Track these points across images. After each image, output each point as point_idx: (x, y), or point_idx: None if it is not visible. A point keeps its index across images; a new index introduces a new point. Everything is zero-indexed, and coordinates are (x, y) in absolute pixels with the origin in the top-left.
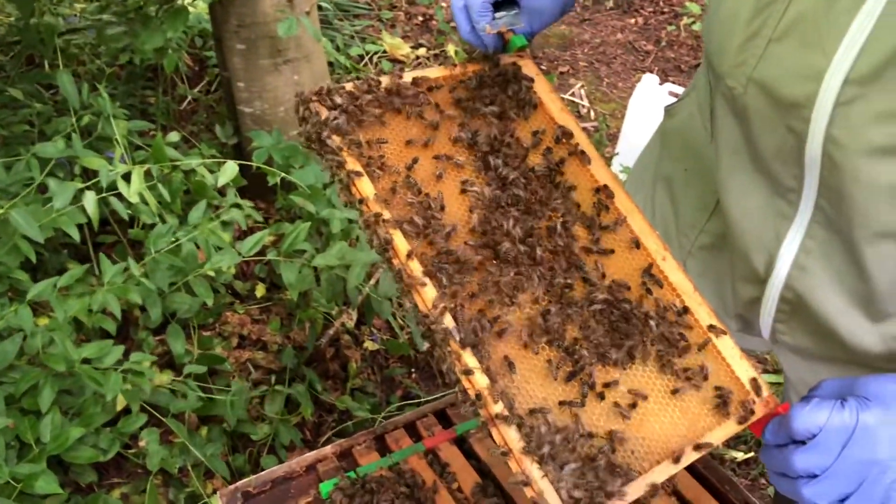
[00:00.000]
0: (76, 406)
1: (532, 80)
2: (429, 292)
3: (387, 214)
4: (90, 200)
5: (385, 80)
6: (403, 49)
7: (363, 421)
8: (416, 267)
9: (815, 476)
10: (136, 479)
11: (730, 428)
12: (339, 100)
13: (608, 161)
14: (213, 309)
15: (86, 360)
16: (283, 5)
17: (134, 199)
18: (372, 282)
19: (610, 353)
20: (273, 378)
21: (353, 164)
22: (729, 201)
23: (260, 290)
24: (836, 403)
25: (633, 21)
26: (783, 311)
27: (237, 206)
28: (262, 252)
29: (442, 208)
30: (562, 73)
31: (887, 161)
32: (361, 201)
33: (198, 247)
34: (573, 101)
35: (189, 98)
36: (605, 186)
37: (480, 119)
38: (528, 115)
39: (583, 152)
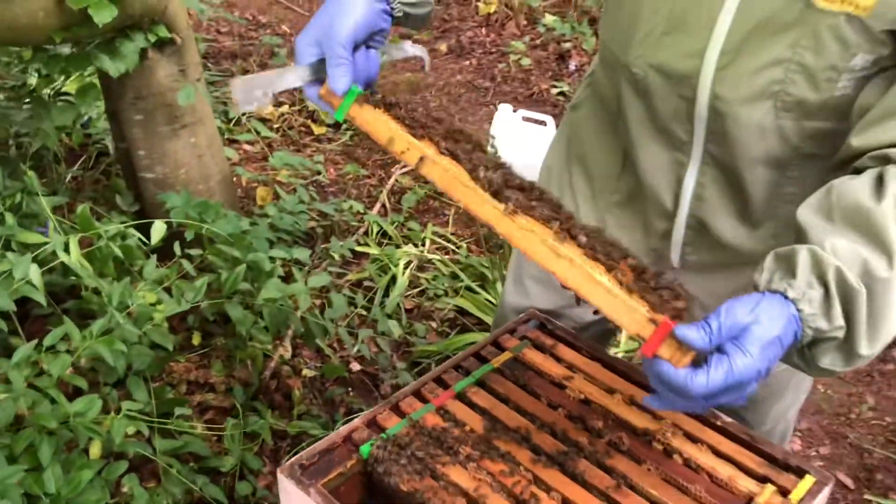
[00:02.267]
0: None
1: None
2: None
3: None
4: (35, 272)
5: None
6: (268, 108)
7: (317, 438)
8: None
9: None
10: None
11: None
12: None
13: None
14: (160, 361)
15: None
16: (177, 75)
17: (76, 267)
18: (300, 312)
19: None
20: (224, 415)
21: None
22: (639, 160)
23: (196, 339)
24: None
25: (468, 63)
26: (689, 235)
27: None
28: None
29: None
30: None
31: (757, 105)
32: None
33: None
34: None
35: (69, 176)
36: None
37: None
38: None
39: None
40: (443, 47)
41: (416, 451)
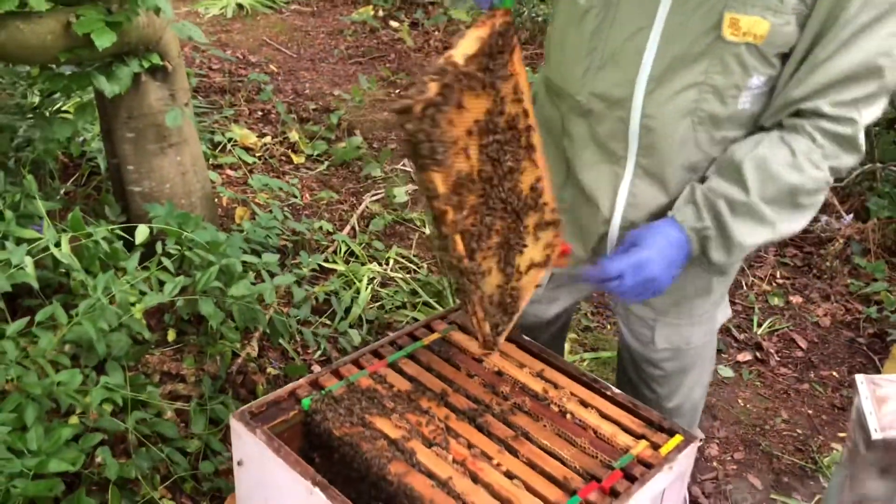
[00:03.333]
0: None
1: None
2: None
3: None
4: (28, 260)
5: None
6: (251, 138)
7: None
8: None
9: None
10: (93, 495)
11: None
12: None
13: None
14: (137, 352)
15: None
16: (167, 99)
17: (65, 260)
18: (269, 314)
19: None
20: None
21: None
22: (581, 174)
23: (171, 335)
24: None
25: None
26: (621, 234)
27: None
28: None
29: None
30: (392, 149)
31: (679, 121)
32: None
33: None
34: (405, 170)
35: (63, 191)
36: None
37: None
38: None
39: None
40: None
41: (350, 404)
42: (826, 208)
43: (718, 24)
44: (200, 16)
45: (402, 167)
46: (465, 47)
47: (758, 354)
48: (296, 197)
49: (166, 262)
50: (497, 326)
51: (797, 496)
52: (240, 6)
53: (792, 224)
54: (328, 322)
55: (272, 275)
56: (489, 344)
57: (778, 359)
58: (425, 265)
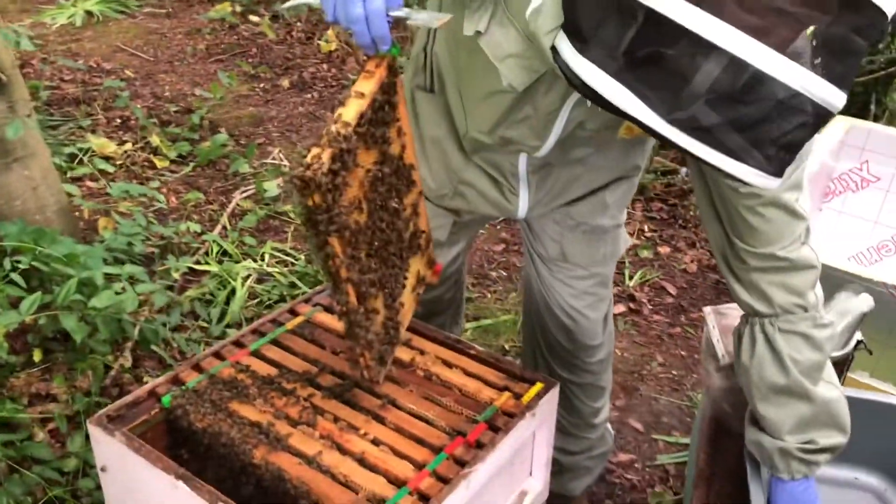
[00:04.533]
0: None
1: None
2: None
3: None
4: None
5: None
6: (111, 147)
7: None
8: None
9: None
10: None
11: None
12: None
13: None
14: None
15: None
16: (6, 112)
17: None
18: (139, 323)
19: None
20: (68, 423)
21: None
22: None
23: (37, 355)
24: None
25: (309, 96)
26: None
27: None
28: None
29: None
30: (259, 144)
31: (574, 161)
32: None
33: None
34: (275, 163)
35: None
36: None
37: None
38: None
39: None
40: (285, 83)
41: (212, 396)
42: (685, 160)
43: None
44: (47, 26)
45: (271, 161)
46: (355, 106)
47: (631, 305)
48: (160, 201)
49: (16, 277)
50: (382, 357)
51: (676, 433)
52: (89, 14)
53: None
54: (206, 325)
55: (137, 282)
56: (374, 378)
57: (650, 307)
58: (302, 257)
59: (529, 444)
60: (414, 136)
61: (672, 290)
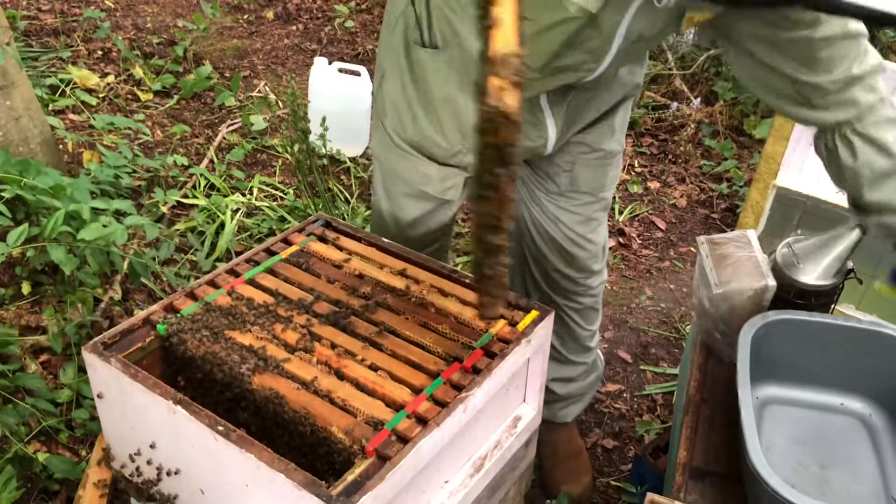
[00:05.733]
0: None
1: None
2: None
3: None
4: None
5: None
6: (93, 79)
7: None
8: None
9: None
10: None
11: None
12: None
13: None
14: None
15: None
16: None
17: None
18: (128, 256)
19: None
20: (59, 356)
21: None
22: None
23: (26, 287)
24: None
25: (294, 28)
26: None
27: None
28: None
29: None
30: (244, 77)
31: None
32: None
33: None
34: (260, 96)
35: None
36: None
37: None
38: None
39: None
40: (270, 14)
41: (208, 323)
42: (676, 95)
43: None
44: None
45: (257, 94)
46: (511, 28)
47: (621, 240)
48: (146, 134)
49: (1, 207)
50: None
51: (664, 364)
52: None
53: None
54: (195, 259)
55: (125, 216)
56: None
57: (640, 242)
58: (291, 191)
59: (524, 371)
60: (416, 97)
61: (661, 225)
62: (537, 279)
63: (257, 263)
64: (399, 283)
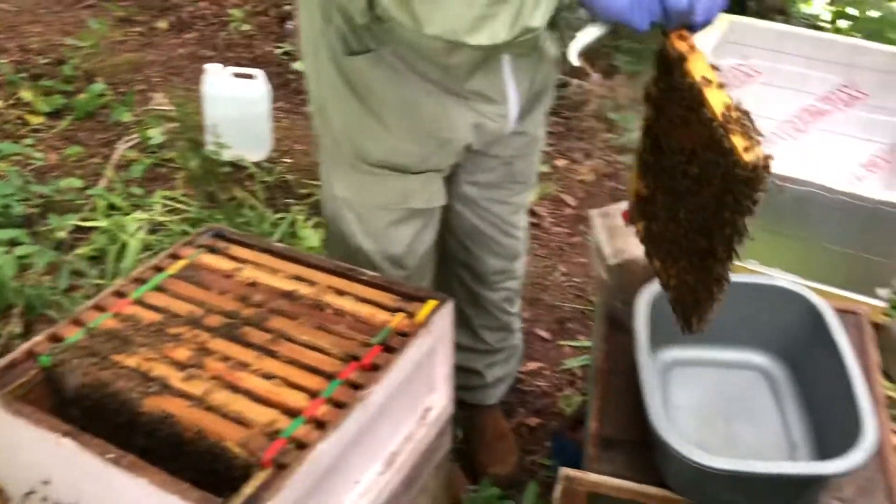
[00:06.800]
0: None
1: None
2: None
3: None
4: None
5: None
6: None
7: None
8: None
9: None
10: None
11: None
12: None
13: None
14: None
15: None
16: None
17: None
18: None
19: None
20: None
21: None
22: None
23: None
24: None
25: (189, 36)
26: None
27: None
28: None
29: None
30: (140, 91)
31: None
32: None
33: None
34: (158, 109)
35: None
36: None
37: None
38: None
39: None
40: (163, 24)
41: (93, 349)
42: (575, 72)
43: None
44: None
45: (154, 107)
46: (719, 92)
47: (532, 220)
48: (37, 159)
49: None
50: None
51: (581, 337)
52: None
53: None
54: (101, 281)
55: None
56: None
57: (551, 220)
58: (195, 203)
59: (429, 361)
60: (368, 113)
61: (571, 202)
62: (462, 276)
63: (145, 282)
64: (293, 286)
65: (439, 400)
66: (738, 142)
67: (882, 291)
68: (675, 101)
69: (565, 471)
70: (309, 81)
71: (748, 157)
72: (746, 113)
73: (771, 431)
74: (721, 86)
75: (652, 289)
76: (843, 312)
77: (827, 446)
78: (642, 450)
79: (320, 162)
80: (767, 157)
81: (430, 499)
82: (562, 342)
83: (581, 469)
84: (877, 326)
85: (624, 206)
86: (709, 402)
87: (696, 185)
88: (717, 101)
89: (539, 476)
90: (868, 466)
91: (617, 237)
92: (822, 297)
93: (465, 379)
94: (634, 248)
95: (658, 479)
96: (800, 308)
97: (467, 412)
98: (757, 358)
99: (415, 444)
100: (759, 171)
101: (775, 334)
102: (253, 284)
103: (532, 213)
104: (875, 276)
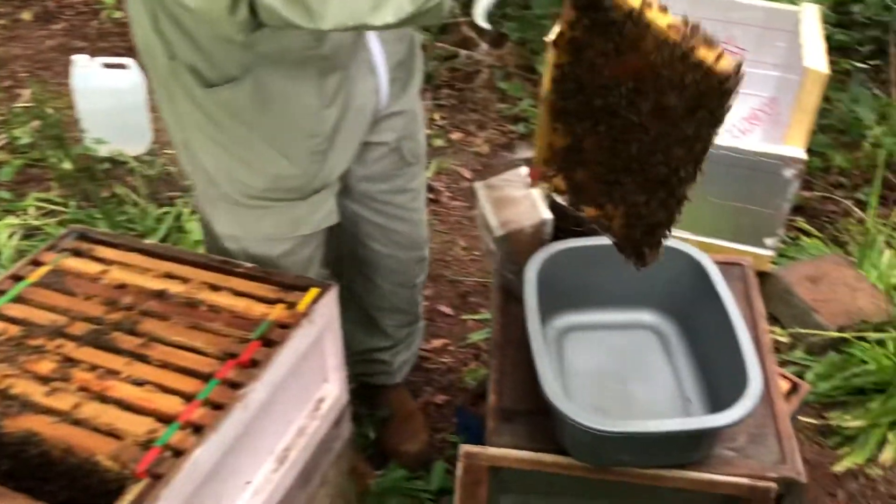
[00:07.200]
0: None
1: None
2: None
3: None
4: None
5: None
6: None
7: None
8: None
9: None
10: None
11: None
12: None
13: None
14: None
15: None
16: None
17: None
18: None
19: None
20: None
21: None
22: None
23: None
24: None
25: (57, 27)
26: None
27: None
28: None
29: None
30: (6, 88)
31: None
32: None
33: None
34: (26, 106)
35: None
36: None
37: None
38: None
39: None
40: (27, 15)
41: None
42: (465, 43)
43: None
44: None
45: (22, 104)
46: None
47: (430, 196)
48: None
49: None
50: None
51: (483, 310)
52: None
53: None
54: None
55: None
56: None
57: (449, 194)
58: (73, 203)
59: (316, 351)
60: (239, 144)
61: (467, 175)
62: (374, 280)
63: (3, 293)
64: (164, 285)
65: (332, 390)
66: (706, 54)
67: (769, 241)
68: (605, 35)
69: (465, 447)
70: (168, 124)
71: (722, 66)
72: (697, 26)
73: (665, 388)
74: (662, 8)
75: (540, 257)
76: (726, 265)
77: (719, 398)
78: (543, 419)
79: (195, 199)
80: (738, 62)
81: (333, 490)
82: (465, 316)
83: (483, 443)
84: (766, 275)
85: (505, 176)
86: (604, 364)
87: (654, 112)
88: (664, 21)
89: (447, 453)
90: (757, 414)
91: (502, 208)
92: (712, 250)
93: (369, 367)
94: (521, 218)
95: (560, 447)
96: (684, 264)
97: (372, 393)
98: (648, 317)
99: (308, 437)
100: (734, 76)
101: (663, 292)
102: (121, 287)
103: (429, 188)
104: (761, 226)
